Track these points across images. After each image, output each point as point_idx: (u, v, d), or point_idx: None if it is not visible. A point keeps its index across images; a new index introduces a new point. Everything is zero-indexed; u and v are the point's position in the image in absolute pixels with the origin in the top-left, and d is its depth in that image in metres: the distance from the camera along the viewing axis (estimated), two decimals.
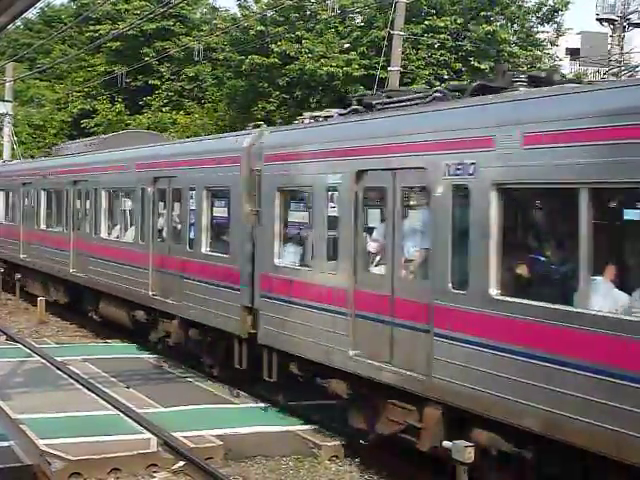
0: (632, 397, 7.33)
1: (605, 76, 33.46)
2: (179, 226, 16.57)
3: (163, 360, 17.34)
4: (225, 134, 19.53)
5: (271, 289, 12.88)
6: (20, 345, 18.87)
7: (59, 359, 17.02)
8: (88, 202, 21.15)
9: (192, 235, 15.78)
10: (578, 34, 49.75)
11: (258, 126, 15.34)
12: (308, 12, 33.08)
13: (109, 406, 13.44)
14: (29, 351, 18.03)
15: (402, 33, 24.99)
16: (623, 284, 7.99)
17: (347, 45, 32.06)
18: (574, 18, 58.61)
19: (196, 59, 31.25)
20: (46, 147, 36.89)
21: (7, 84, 41.25)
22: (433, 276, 9.71)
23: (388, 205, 10.61)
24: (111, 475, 10.75)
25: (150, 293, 17.26)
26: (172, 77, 40.55)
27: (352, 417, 11.47)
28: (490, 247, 8.83)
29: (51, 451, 10.86)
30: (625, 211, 8.18)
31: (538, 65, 31.74)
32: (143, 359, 17.80)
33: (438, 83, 29.74)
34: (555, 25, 33.28)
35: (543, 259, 9.05)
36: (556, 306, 8.13)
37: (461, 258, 9.29)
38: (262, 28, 32.42)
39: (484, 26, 30.27)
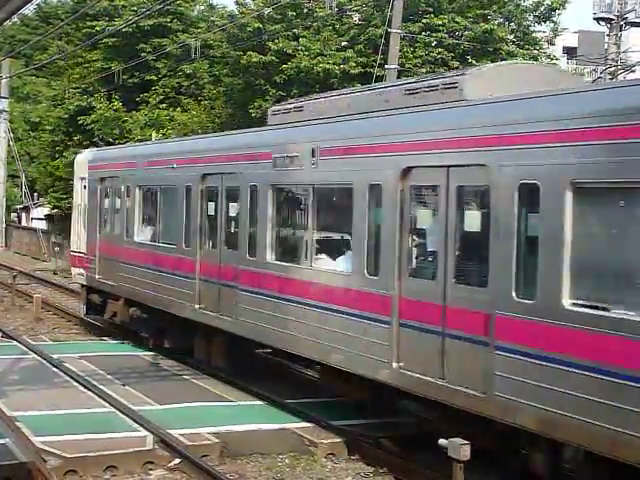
0: None
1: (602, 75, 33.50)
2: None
3: (159, 357, 17.34)
4: None
5: None
6: (16, 342, 18.82)
7: (55, 356, 16.99)
8: None
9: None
10: (575, 33, 49.87)
11: None
12: (305, 10, 33.01)
13: (105, 404, 13.42)
14: (25, 348, 17.99)
15: (399, 31, 24.95)
16: None
17: (344, 43, 32.02)
18: (571, 17, 58.74)
19: (193, 56, 31.16)
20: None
21: (3, 80, 41.26)
22: None
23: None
24: (107, 472, 10.74)
25: None
26: (169, 74, 40.48)
27: None
28: None
29: (47, 448, 10.84)
30: None
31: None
32: (139, 356, 17.78)
33: None
34: (552, 24, 33.29)
35: None
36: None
37: None
38: (259, 25, 32.38)
39: (481, 24, 30.25)
